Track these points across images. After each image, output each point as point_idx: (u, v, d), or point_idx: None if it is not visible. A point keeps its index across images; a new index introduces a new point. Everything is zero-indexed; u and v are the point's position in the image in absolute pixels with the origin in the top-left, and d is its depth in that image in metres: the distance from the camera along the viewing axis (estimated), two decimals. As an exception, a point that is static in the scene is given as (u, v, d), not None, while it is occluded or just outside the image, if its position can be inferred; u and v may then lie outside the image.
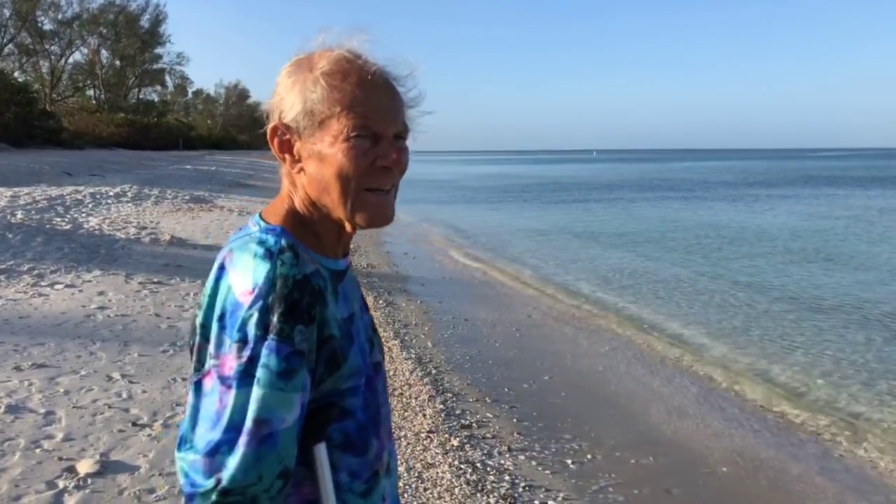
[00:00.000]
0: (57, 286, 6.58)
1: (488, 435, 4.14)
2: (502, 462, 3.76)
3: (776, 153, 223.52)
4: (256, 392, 0.87)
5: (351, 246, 1.11)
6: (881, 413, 4.98)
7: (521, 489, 3.45)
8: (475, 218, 19.53)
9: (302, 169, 0.99)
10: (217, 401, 0.88)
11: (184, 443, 0.92)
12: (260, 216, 1.02)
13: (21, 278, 6.75)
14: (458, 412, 4.46)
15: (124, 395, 4.03)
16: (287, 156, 1.00)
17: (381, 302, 7.47)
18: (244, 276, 0.90)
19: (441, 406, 4.51)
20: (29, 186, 15.15)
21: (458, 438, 3.98)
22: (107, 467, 3.14)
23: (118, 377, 4.32)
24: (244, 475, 0.85)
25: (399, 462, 3.57)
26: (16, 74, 43.25)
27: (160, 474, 3.11)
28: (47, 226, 9.74)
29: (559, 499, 3.41)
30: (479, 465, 3.67)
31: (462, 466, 3.61)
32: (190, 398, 0.94)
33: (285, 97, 0.99)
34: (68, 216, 11.13)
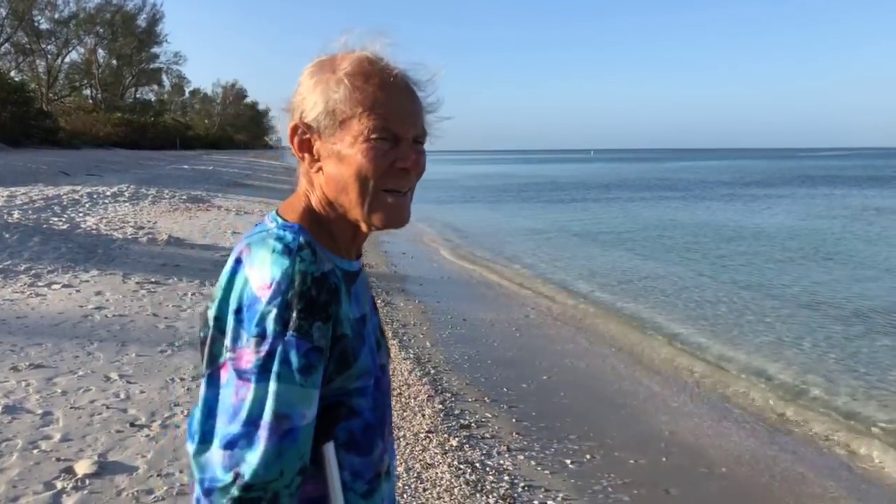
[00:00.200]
0: (54, 286, 6.56)
1: (487, 435, 4.13)
2: (501, 462, 3.75)
3: (774, 153, 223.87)
4: (276, 387, 0.87)
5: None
6: (881, 413, 4.97)
7: (520, 489, 3.45)
8: (473, 217, 19.53)
9: (320, 168, 1.00)
10: (233, 394, 0.88)
11: (197, 436, 0.93)
12: (277, 213, 1.03)
13: (18, 278, 6.73)
14: (456, 412, 4.45)
15: (122, 396, 4.02)
16: (306, 155, 1.01)
17: (379, 301, 7.46)
18: (262, 271, 0.90)
19: (440, 406, 4.50)
20: (26, 186, 15.12)
21: (457, 438, 3.97)
22: (105, 468, 3.13)
23: (116, 377, 4.31)
24: (265, 470, 0.85)
25: (398, 462, 3.56)
26: (12, 74, 43.12)
27: (158, 475, 3.10)
28: (44, 226, 9.71)
29: (559, 499, 3.40)
30: (478, 465, 3.67)
31: (461, 467, 3.60)
32: (203, 390, 0.95)
33: (307, 97, 1.00)
34: (65, 216, 11.10)
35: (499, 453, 3.87)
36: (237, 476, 0.85)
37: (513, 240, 14.74)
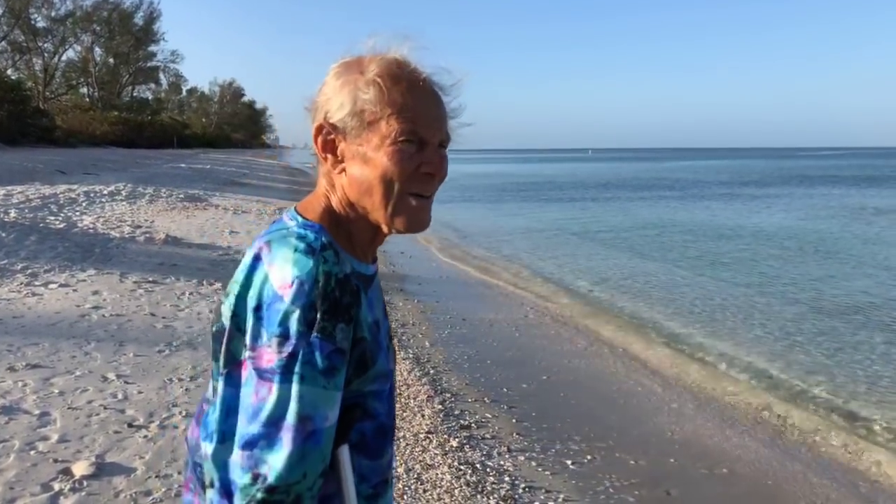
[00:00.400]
0: (51, 285, 6.52)
1: (488, 435, 4.11)
2: (502, 463, 3.73)
3: (773, 152, 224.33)
4: (299, 389, 0.86)
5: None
6: (882, 414, 4.96)
7: (521, 490, 3.43)
8: (472, 217, 19.50)
9: (344, 170, 0.99)
10: (253, 393, 0.87)
11: (216, 435, 0.92)
12: (296, 211, 1.02)
13: (14, 277, 6.69)
14: (456, 412, 4.43)
15: (120, 396, 3.99)
16: (329, 156, 1.00)
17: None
18: (283, 269, 0.89)
19: (440, 406, 4.48)
20: (22, 185, 15.06)
21: (457, 439, 3.95)
22: (102, 469, 3.10)
23: (113, 377, 4.28)
24: (289, 473, 0.84)
25: (398, 463, 3.54)
26: (9, 72, 43.04)
27: (157, 476, 3.07)
28: (41, 224, 9.66)
29: (559, 500, 3.39)
30: (478, 466, 3.64)
31: (462, 468, 3.58)
32: (220, 389, 0.94)
33: (333, 97, 0.99)
34: (62, 215, 11.06)
35: (499, 454, 3.85)
36: (257, 477, 0.85)
37: (512, 239, 14.72)
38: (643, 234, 15.57)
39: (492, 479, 3.51)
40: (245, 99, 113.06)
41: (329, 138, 1.00)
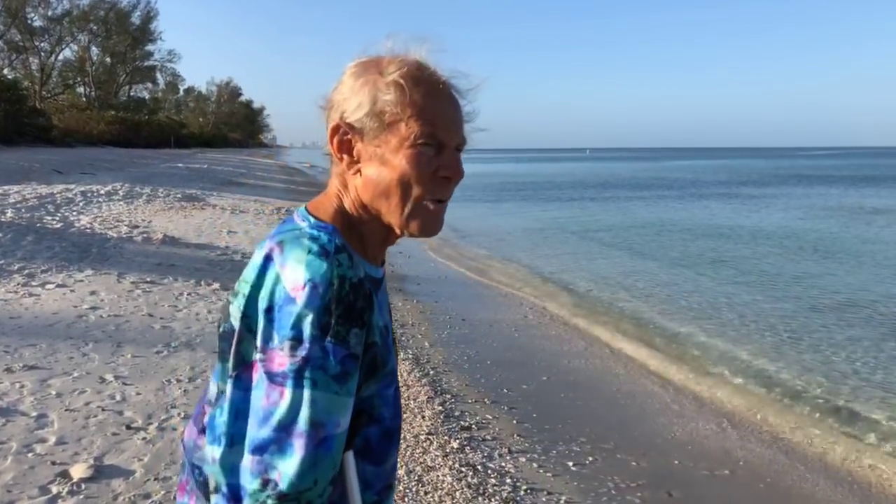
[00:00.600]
0: (48, 286, 6.48)
1: (488, 437, 4.09)
2: (503, 464, 3.71)
3: (772, 152, 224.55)
4: (312, 394, 0.84)
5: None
6: (883, 416, 4.95)
7: (522, 492, 3.40)
8: (471, 216, 19.46)
9: (359, 171, 0.98)
10: (264, 397, 0.85)
11: (224, 438, 0.90)
12: (307, 210, 0.99)
13: (11, 278, 6.65)
14: (457, 413, 4.40)
15: (118, 398, 3.96)
16: (345, 156, 0.98)
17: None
18: (296, 271, 0.87)
19: (440, 407, 4.46)
20: (19, 185, 15.00)
21: (457, 440, 3.92)
22: (101, 472, 3.07)
23: (111, 379, 4.25)
24: (301, 480, 0.83)
25: (398, 465, 3.51)
26: (5, 71, 42.93)
27: (155, 479, 3.04)
28: (38, 224, 9.62)
29: (561, 502, 3.36)
30: (479, 467, 3.62)
31: (463, 469, 3.55)
32: (229, 392, 0.92)
33: (350, 97, 0.97)
34: (59, 215, 11.01)
35: (500, 455, 3.82)
36: (267, 483, 0.83)
37: (511, 239, 14.71)
38: (642, 234, 15.56)
39: (493, 480, 3.48)
40: (242, 98, 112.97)
41: (345, 138, 0.98)
